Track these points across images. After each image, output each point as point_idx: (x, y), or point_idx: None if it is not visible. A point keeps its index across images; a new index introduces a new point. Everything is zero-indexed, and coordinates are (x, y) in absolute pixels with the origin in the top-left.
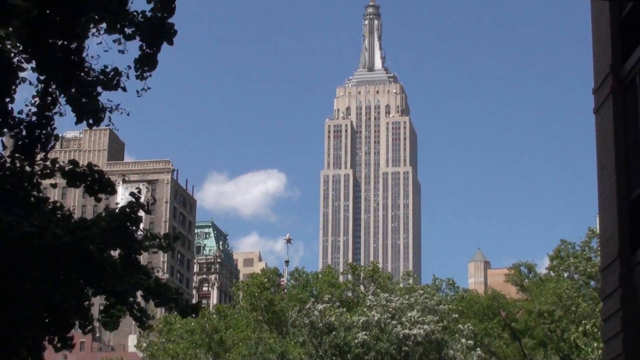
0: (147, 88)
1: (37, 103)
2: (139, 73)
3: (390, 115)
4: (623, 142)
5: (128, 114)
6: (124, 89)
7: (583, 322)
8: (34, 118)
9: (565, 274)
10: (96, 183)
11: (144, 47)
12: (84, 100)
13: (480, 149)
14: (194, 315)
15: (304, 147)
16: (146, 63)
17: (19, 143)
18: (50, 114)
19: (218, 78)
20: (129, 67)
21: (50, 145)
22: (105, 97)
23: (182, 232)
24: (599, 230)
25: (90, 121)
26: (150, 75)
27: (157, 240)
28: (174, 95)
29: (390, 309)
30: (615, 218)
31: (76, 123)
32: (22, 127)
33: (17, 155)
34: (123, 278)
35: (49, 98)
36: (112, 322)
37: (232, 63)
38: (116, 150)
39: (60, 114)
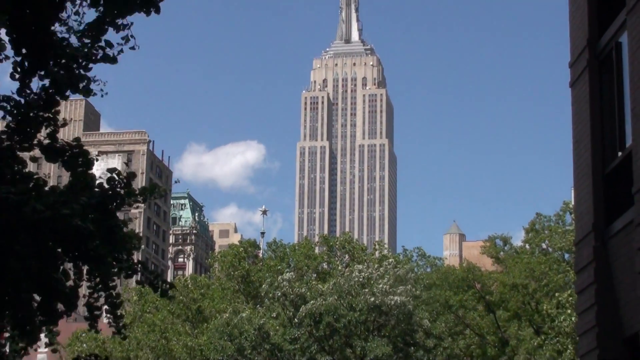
0: (120, 51)
1: (18, 78)
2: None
3: (367, 88)
4: (598, 116)
5: (105, 94)
6: (113, 60)
7: (557, 294)
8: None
9: (541, 247)
10: (74, 158)
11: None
12: (62, 72)
13: (456, 122)
14: (170, 296)
15: (283, 119)
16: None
17: (11, 124)
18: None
19: (197, 49)
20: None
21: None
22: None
23: (158, 203)
24: (573, 203)
25: (68, 93)
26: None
27: (136, 196)
28: (154, 65)
29: (362, 279)
30: (590, 192)
31: (60, 98)
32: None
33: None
34: (103, 248)
35: (29, 76)
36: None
37: (211, 33)
38: (92, 120)
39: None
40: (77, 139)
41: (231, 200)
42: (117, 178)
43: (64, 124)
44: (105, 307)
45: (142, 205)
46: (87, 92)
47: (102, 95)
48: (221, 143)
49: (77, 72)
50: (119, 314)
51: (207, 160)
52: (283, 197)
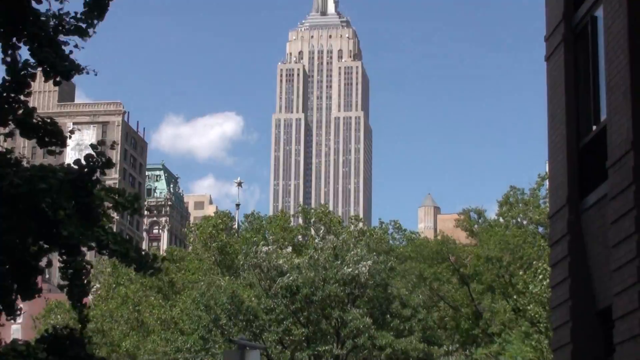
0: (93, 32)
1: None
2: (88, 21)
3: (343, 60)
4: (573, 90)
5: (95, 74)
6: (85, 34)
7: (533, 263)
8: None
9: (514, 221)
10: (48, 135)
11: None
12: (44, 51)
13: (431, 94)
14: (152, 272)
15: (260, 91)
16: (96, 8)
17: None
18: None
19: (173, 19)
20: (76, 12)
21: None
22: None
23: (133, 174)
24: (548, 177)
25: (58, 79)
26: (98, 23)
27: (118, 197)
28: (131, 36)
29: (335, 250)
30: (564, 165)
31: (45, 80)
32: None
33: None
34: (78, 231)
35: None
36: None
37: (187, 4)
38: (67, 91)
39: (28, 72)
40: (54, 123)
41: (209, 171)
42: (95, 156)
43: (34, 109)
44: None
45: (117, 176)
46: (65, 75)
47: (88, 72)
48: (199, 114)
49: (58, 52)
50: (85, 311)
51: (185, 131)
52: (261, 169)
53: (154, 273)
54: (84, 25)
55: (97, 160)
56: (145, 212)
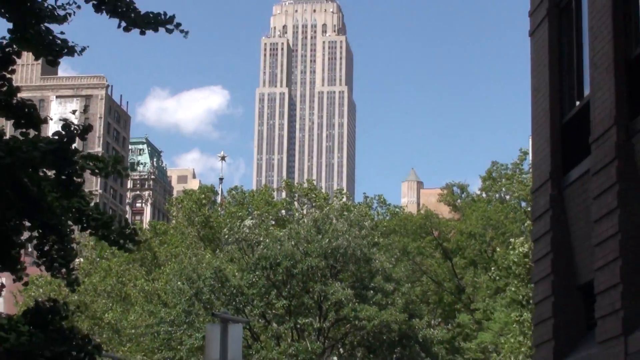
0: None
1: None
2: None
3: (327, 35)
4: (557, 65)
5: (82, 52)
6: (63, 19)
7: (515, 241)
8: None
9: (498, 195)
10: (24, 118)
11: None
12: (35, 30)
13: (415, 70)
14: (133, 246)
15: (246, 65)
16: None
17: None
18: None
19: None
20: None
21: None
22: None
23: (116, 147)
24: (531, 152)
25: (50, 58)
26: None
27: (98, 162)
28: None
29: (318, 223)
30: (547, 141)
31: (36, 59)
32: None
33: None
34: (58, 206)
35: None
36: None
37: None
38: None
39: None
40: (32, 105)
41: (194, 145)
42: (73, 125)
43: (18, 89)
44: (59, 260)
45: (100, 149)
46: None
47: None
48: (185, 88)
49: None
50: (71, 267)
51: (171, 105)
52: (246, 143)
53: (132, 249)
54: (62, 13)
55: (76, 128)
56: (129, 181)
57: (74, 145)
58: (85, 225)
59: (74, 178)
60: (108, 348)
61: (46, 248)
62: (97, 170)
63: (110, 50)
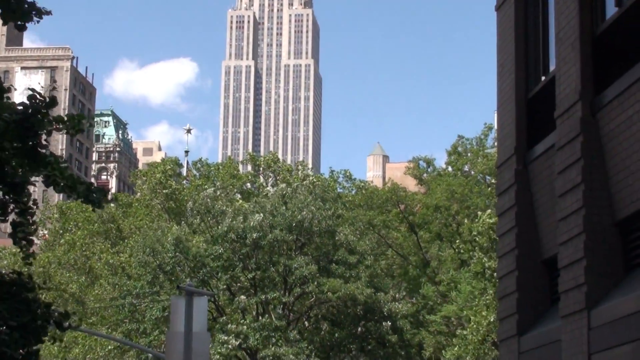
0: None
1: None
2: None
3: (293, 7)
4: (523, 40)
5: (48, 13)
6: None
7: (478, 214)
8: None
9: (463, 169)
10: None
11: None
12: None
13: (381, 44)
14: (102, 203)
15: (215, 37)
16: None
17: None
18: None
19: None
20: None
21: None
22: None
23: (80, 128)
24: (496, 127)
25: (19, 22)
26: None
27: (63, 124)
28: None
29: (285, 198)
30: (512, 115)
31: (4, 24)
32: None
33: None
34: (24, 169)
35: None
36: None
37: None
38: (15, 35)
39: None
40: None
41: (163, 118)
42: (38, 97)
43: None
44: (18, 233)
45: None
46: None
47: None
48: (154, 60)
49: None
50: (30, 238)
51: (139, 77)
52: (214, 115)
53: (101, 205)
54: None
55: (41, 100)
56: (94, 153)
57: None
58: (51, 184)
59: (39, 149)
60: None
61: (8, 217)
62: (65, 130)
63: (78, 22)
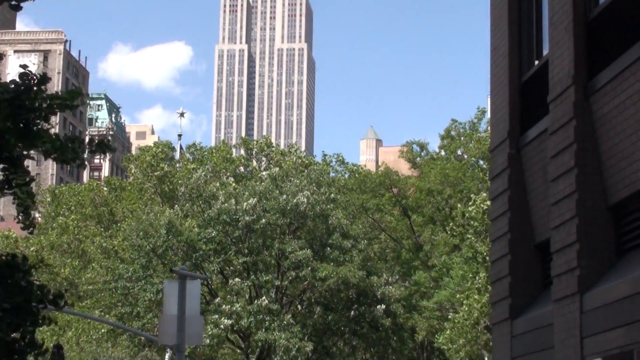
0: None
1: None
2: None
3: None
4: (517, 24)
5: None
6: None
7: (475, 197)
8: None
9: (456, 153)
10: None
11: None
12: None
13: (375, 28)
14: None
15: (209, 21)
16: None
17: None
18: None
19: None
20: None
21: None
22: None
23: (74, 104)
24: (489, 111)
25: (13, 2)
26: None
27: (58, 100)
28: None
29: (277, 181)
30: (506, 99)
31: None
32: None
33: None
34: (17, 142)
35: None
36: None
37: None
38: (8, 19)
39: None
40: None
41: (157, 101)
42: (30, 74)
43: None
44: (16, 202)
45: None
46: None
47: None
48: (148, 44)
49: None
50: (29, 209)
51: (134, 60)
52: (208, 99)
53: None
54: None
55: (33, 78)
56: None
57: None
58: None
59: (32, 127)
60: (68, 297)
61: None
62: (56, 107)
63: (72, 5)
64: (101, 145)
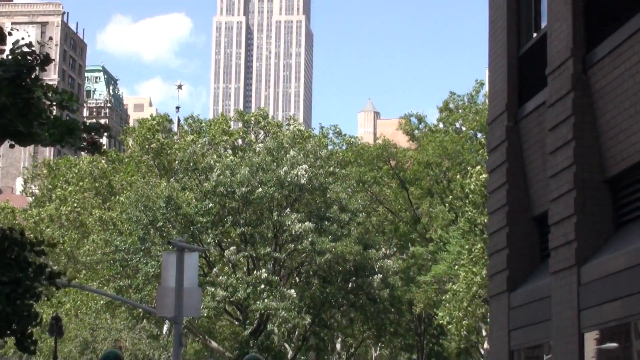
0: None
1: None
2: None
3: None
4: None
5: None
6: None
7: (472, 169)
8: None
9: (454, 126)
10: None
11: None
12: None
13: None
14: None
15: None
16: None
17: None
18: None
19: None
20: None
21: None
22: None
23: (72, 75)
24: (488, 84)
25: None
26: None
27: (56, 94)
28: None
29: (273, 152)
30: (504, 72)
31: None
32: None
33: None
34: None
35: None
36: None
37: None
38: None
39: None
40: None
41: (156, 73)
42: (34, 53)
43: None
44: None
45: (56, 77)
46: None
47: None
48: (147, 15)
49: None
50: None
51: (133, 32)
52: (207, 71)
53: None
54: None
55: (36, 57)
56: (85, 109)
57: (33, 75)
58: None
59: (33, 105)
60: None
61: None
62: (56, 103)
63: None
64: (98, 128)
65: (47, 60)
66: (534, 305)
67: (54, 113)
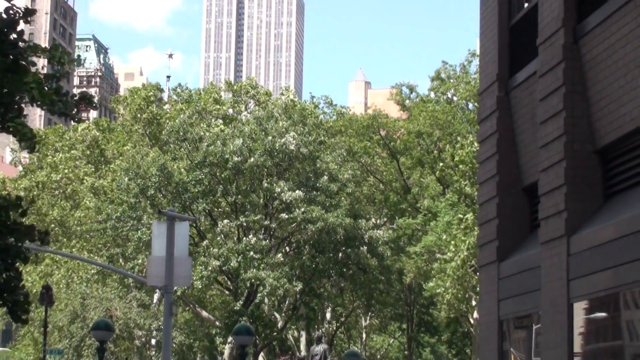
0: None
1: None
2: None
3: None
4: None
5: None
6: None
7: (462, 140)
8: None
9: (446, 96)
10: None
11: None
12: None
13: None
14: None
15: None
16: None
17: None
18: None
19: None
20: None
21: None
22: None
23: (63, 44)
24: (479, 53)
25: None
26: None
27: (45, 52)
28: None
29: (260, 121)
30: (495, 42)
31: None
32: None
33: None
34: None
35: None
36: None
37: None
38: None
39: None
40: None
41: (149, 42)
42: (14, 7)
43: None
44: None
45: (46, 46)
46: None
47: None
48: None
49: None
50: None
51: (125, 0)
52: (199, 40)
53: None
54: None
55: (17, 11)
56: (75, 78)
57: (19, 28)
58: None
59: (20, 62)
60: (55, 245)
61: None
62: (51, 58)
63: None
64: (85, 99)
65: (29, 11)
66: (523, 275)
67: (44, 71)
